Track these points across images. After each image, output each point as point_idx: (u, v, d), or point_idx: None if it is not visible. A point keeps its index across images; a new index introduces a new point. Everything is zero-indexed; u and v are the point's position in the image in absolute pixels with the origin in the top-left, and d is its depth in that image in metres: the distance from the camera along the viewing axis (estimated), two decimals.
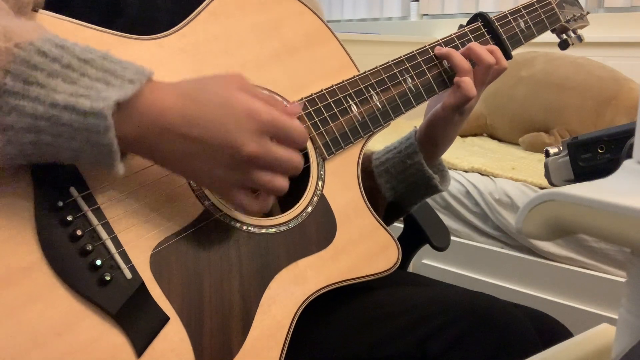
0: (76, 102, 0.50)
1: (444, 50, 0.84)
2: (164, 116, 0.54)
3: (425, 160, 0.87)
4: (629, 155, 0.41)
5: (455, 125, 0.86)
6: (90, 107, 0.50)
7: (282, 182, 0.59)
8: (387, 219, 0.92)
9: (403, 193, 0.90)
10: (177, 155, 0.56)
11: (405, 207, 0.94)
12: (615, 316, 0.88)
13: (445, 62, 0.85)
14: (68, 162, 0.54)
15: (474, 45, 0.84)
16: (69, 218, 0.55)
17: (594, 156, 0.59)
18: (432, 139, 0.87)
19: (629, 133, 0.57)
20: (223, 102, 0.56)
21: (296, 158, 0.59)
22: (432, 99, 0.87)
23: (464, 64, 0.82)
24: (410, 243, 1.09)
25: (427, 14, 3.30)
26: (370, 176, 0.88)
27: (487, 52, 0.83)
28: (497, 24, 0.90)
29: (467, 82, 0.81)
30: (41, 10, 0.60)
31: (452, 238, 1.13)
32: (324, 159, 0.74)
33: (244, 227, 0.65)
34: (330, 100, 0.75)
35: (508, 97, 2.24)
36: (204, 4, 0.70)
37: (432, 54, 0.84)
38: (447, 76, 0.85)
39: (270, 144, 0.57)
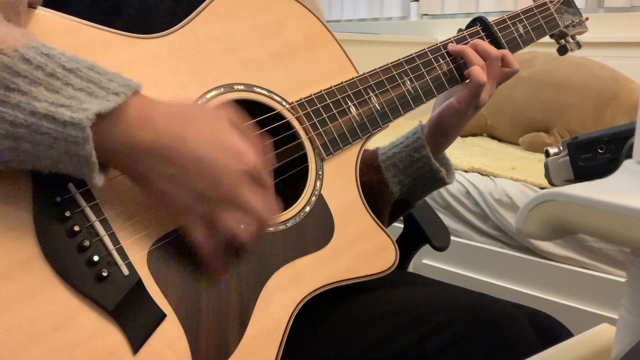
0: (56, 112, 0.49)
1: (458, 47, 0.85)
2: (152, 135, 0.53)
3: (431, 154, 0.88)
4: (629, 155, 0.40)
5: (468, 118, 0.88)
6: (69, 117, 0.49)
7: (242, 232, 0.58)
8: (393, 215, 0.92)
9: (410, 187, 0.90)
10: (154, 175, 0.54)
11: (411, 202, 0.95)
12: (615, 316, 0.88)
13: (444, 65, 0.85)
14: (47, 170, 0.52)
15: (479, 41, 0.86)
16: (67, 214, 0.55)
17: (594, 156, 0.59)
18: (444, 132, 0.88)
19: (629, 133, 0.57)
20: (214, 135, 0.56)
21: (266, 216, 0.59)
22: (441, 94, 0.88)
23: (478, 59, 0.84)
24: (410, 243, 1.09)
25: (427, 14, 3.30)
26: (377, 171, 0.89)
27: (491, 46, 0.86)
28: (495, 28, 0.90)
29: (476, 70, 0.83)
30: (40, 8, 0.59)
31: (452, 238, 1.13)
32: (322, 160, 0.74)
33: (242, 226, 0.64)
34: (329, 101, 0.75)
35: (508, 97, 2.24)
36: (204, 3, 0.70)
37: (430, 57, 0.84)
38: (445, 79, 0.85)
39: (247, 190, 0.57)
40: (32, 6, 0.58)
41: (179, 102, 0.59)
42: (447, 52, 0.86)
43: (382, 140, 0.93)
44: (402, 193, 0.91)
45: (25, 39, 0.51)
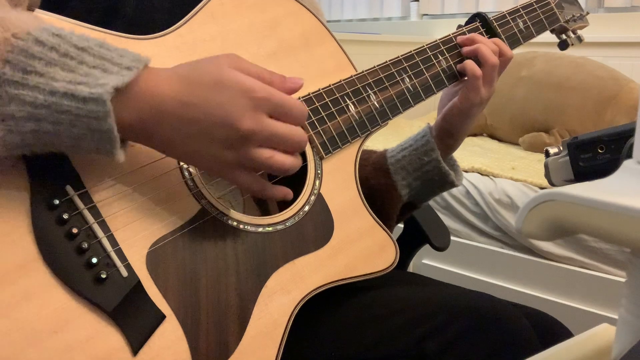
0: (75, 89, 0.50)
1: (471, 48, 0.85)
2: (161, 100, 0.54)
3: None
4: (629, 155, 0.40)
5: (473, 116, 0.87)
6: (89, 93, 0.50)
7: (283, 159, 0.59)
8: (399, 216, 0.92)
9: (419, 190, 0.90)
10: (175, 138, 0.56)
11: (418, 204, 0.95)
12: (615, 316, 0.87)
13: (443, 62, 0.85)
14: (69, 151, 0.54)
15: (478, 37, 0.86)
16: (65, 216, 0.55)
17: (594, 156, 0.59)
18: (451, 133, 0.88)
19: (629, 133, 0.57)
20: (216, 81, 0.56)
21: (297, 132, 0.59)
22: (446, 94, 0.88)
23: (492, 57, 0.84)
24: (410, 243, 1.09)
25: (427, 14, 3.31)
26: (386, 174, 0.88)
27: (489, 41, 0.86)
28: (495, 24, 0.90)
29: (469, 63, 0.83)
30: (38, 10, 0.59)
31: (452, 238, 1.13)
32: (321, 158, 0.73)
33: (241, 226, 0.64)
34: (327, 99, 0.75)
35: (508, 97, 2.24)
36: (201, 4, 0.70)
37: (429, 53, 0.84)
38: (445, 76, 0.85)
39: (267, 119, 0.57)
40: (30, 8, 0.58)
41: (179, 65, 0.59)
42: (447, 49, 0.86)
43: (383, 139, 0.93)
44: (411, 196, 0.90)
45: (37, 21, 0.52)
